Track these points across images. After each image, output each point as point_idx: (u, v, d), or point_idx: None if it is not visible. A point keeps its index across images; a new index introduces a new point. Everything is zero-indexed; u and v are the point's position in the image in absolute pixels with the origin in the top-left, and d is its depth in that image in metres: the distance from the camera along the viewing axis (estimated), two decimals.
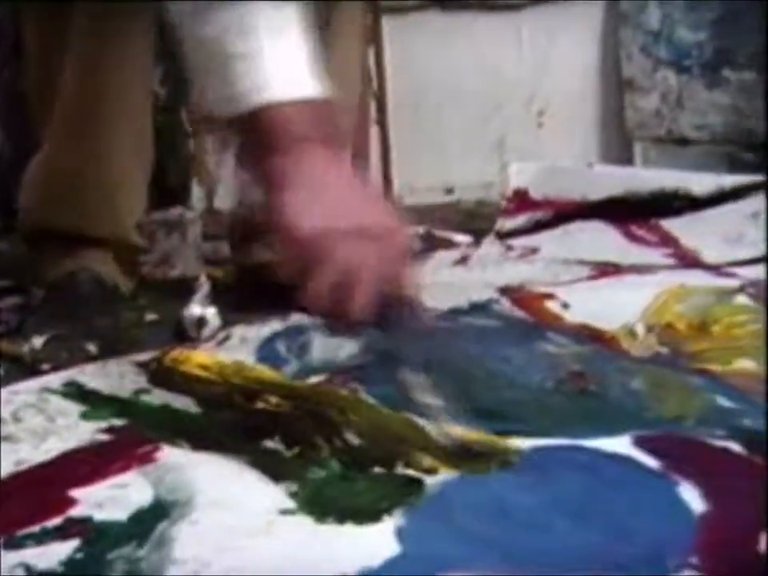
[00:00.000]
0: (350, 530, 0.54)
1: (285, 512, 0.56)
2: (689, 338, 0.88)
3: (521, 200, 1.41)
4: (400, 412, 0.70)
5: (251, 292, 1.07)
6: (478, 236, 1.39)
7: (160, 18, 0.84)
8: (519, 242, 1.33)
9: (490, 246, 1.32)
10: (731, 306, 0.95)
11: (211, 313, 0.97)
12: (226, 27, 0.67)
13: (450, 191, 1.85)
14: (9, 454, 0.66)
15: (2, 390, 0.78)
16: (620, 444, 0.63)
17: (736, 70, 1.69)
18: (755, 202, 1.27)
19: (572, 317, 0.93)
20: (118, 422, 0.72)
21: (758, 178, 1.33)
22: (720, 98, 1.71)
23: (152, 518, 0.56)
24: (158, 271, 1.24)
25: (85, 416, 0.74)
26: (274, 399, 0.73)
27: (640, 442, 0.63)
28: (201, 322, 0.96)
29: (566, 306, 0.96)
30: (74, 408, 0.75)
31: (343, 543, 0.53)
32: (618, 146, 1.83)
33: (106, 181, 1.00)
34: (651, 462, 0.61)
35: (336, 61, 1.07)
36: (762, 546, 0.51)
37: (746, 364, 0.81)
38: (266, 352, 0.87)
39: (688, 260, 1.19)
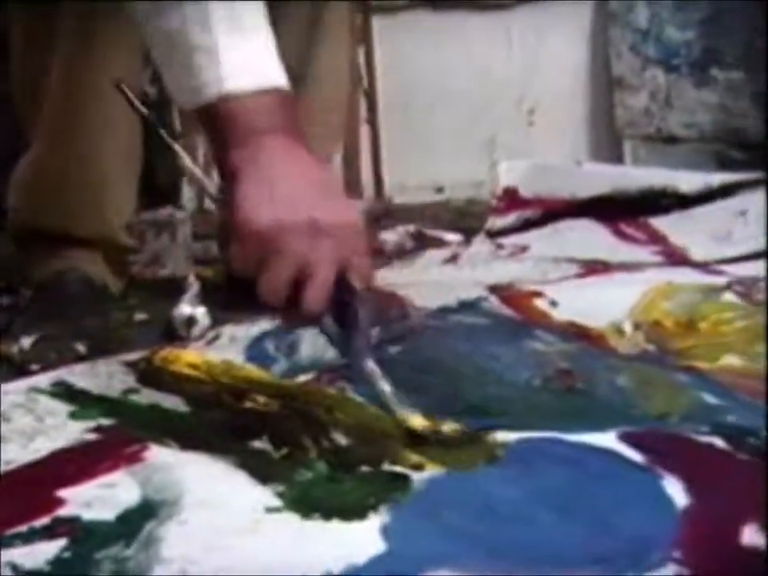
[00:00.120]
0: (336, 527, 0.54)
1: (271, 510, 0.56)
2: (676, 336, 0.89)
3: (511, 198, 1.41)
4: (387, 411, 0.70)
5: (241, 291, 1.07)
6: (469, 234, 1.40)
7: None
8: (509, 241, 1.33)
9: (480, 245, 1.33)
10: (718, 304, 0.96)
11: (201, 312, 0.97)
12: (186, 20, 0.68)
13: (440, 190, 1.86)
14: None
15: None
16: (605, 439, 0.63)
17: (724, 69, 1.70)
18: (743, 200, 1.28)
19: (560, 315, 0.94)
20: (106, 422, 0.72)
21: (745, 175, 1.34)
22: (708, 96, 1.72)
23: (140, 518, 0.56)
24: (148, 271, 1.24)
25: (73, 416, 0.74)
26: (262, 398, 0.74)
27: (625, 438, 0.64)
28: (190, 321, 0.96)
29: (554, 303, 0.97)
30: (63, 408, 0.75)
31: (329, 540, 0.53)
32: (608, 144, 1.84)
33: (95, 181, 1.00)
34: (636, 456, 0.61)
35: (325, 60, 1.07)
36: (743, 540, 0.51)
37: (732, 360, 0.82)
38: (255, 351, 0.87)
39: (676, 258, 1.20)
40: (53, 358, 0.88)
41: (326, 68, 1.09)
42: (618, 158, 1.80)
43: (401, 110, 1.86)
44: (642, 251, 1.24)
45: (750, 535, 0.52)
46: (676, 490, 0.57)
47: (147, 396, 0.77)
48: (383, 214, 1.63)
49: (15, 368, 0.87)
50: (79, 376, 0.81)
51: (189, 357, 0.83)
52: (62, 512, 0.57)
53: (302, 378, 0.79)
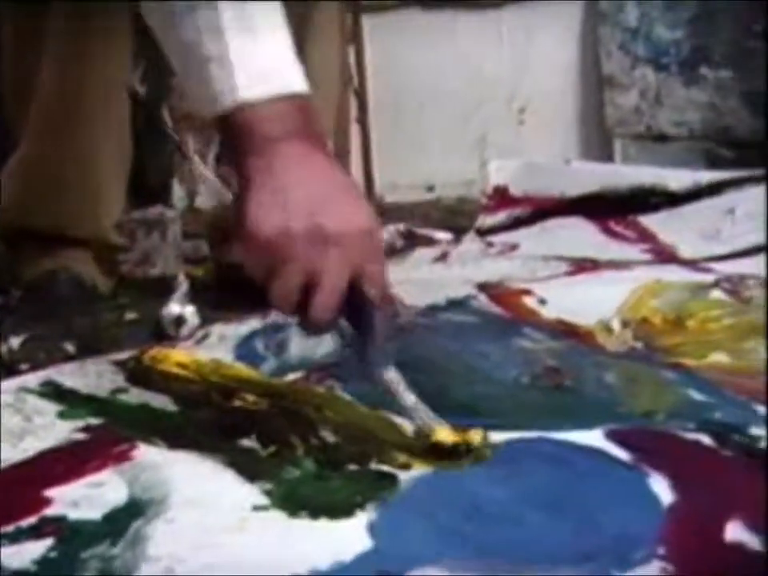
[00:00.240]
0: (323, 525, 0.54)
1: (258, 508, 0.57)
2: (664, 333, 0.89)
3: (501, 197, 1.42)
4: (376, 409, 0.70)
5: (230, 290, 1.07)
6: (459, 233, 1.40)
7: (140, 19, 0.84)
8: (499, 239, 1.34)
9: (470, 243, 1.33)
10: (706, 301, 0.96)
11: (190, 311, 0.97)
12: (198, 30, 0.67)
13: (431, 189, 1.86)
14: None
15: None
16: (592, 437, 0.64)
17: (713, 68, 1.71)
18: (731, 198, 1.29)
19: (548, 313, 0.94)
20: (94, 421, 0.72)
21: (733, 174, 1.34)
22: (697, 95, 1.72)
23: (127, 517, 0.56)
24: (138, 270, 1.24)
25: (62, 415, 0.74)
26: (250, 397, 0.74)
27: (612, 435, 0.64)
28: (179, 320, 0.96)
29: (542, 301, 0.97)
30: (51, 407, 0.75)
31: (316, 538, 0.53)
32: (598, 142, 1.84)
33: (84, 180, 1.00)
34: (622, 454, 0.61)
35: (315, 60, 1.07)
36: (727, 537, 0.52)
37: (719, 358, 0.82)
38: (245, 350, 0.87)
39: (665, 255, 1.20)
40: (42, 357, 0.88)
41: (316, 68, 1.09)
42: (608, 157, 1.80)
43: (391, 109, 1.86)
44: (631, 249, 1.24)
45: (733, 532, 0.52)
46: (662, 488, 0.57)
47: (136, 395, 0.77)
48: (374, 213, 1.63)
49: (4, 368, 0.87)
50: (68, 376, 0.81)
51: (178, 356, 0.83)
52: (49, 511, 0.57)
53: (291, 377, 0.79)
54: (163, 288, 1.05)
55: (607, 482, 0.59)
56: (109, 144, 1.00)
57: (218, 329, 0.93)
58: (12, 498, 0.59)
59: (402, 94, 1.87)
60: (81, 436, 0.70)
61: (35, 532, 0.55)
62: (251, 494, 0.59)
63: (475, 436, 0.61)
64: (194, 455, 0.65)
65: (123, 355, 0.86)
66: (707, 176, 1.35)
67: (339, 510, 0.55)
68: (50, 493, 0.59)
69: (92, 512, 0.57)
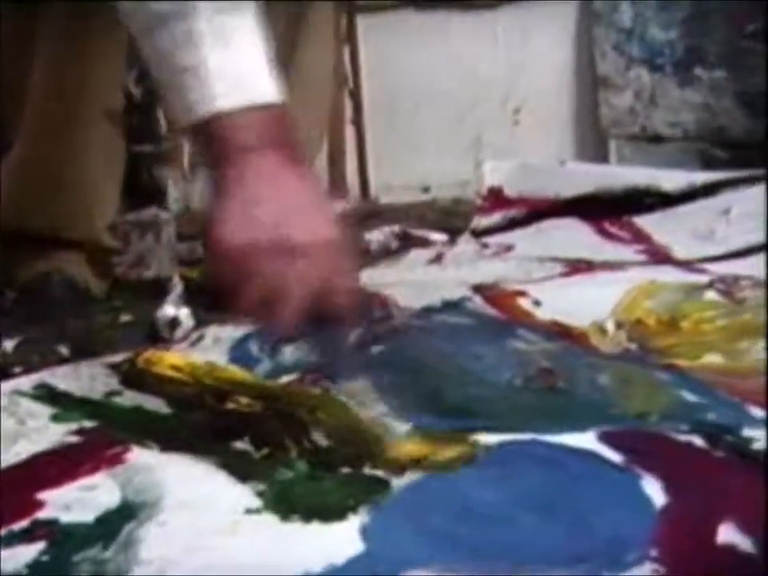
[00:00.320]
0: (315, 528, 0.54)
1: (251, 511, 0.57)
2: (658, 334, 0.89)
3: (496, 198, 1.42)
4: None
5: (225, 293, 1.07)
6: (455, 234, 1.40)
7: None
8: (494, 240, 1.34)
9: (465, 245, 1.33)
10: (700, 302, 0.96)
11: (184, 313, 0.97)
12: (174, 40, 0.68)
13: (426, 190, 1.86)
14: None
15: None
16: (585, 439, 0.64)
17: (707, 69, 1.71)
18: (726, 199, 1.29)
19: (543, 314, 0.94)
20: (88, 424, 0.72)
21: (727, 174, 1.34)
22: (692, 95, 1.73)
23: (119, 520, 0.56)
24: (133, 272, 1.23)
25: (55, 418, 0.74)
26: (244, 400, 0.74)
27: (605, 437, 0.64)
28: (174, 322, 0.96)
29: (537, 303, 0.97)
30: (45, 410, 0.75)
31: (308, 541, 0.53)
32: (593, 143, 1.84)
33: (78, 182, 1.00)
34: (615, 456, 0.61)
35: (308, 60, 1.08)
36: (719, 539, 0.52)
37: (713, 359, 0.82)
38: (239, 352, 0.87)
39: (659, 256, 1.20)
40: (36, 360, 0.88)
41: (310, 68, 1.09)
42: (603, 157, 1.80)
43: (386, 110, 1.86)
44: (625, 250, 1.24)
45: (726, 534, 0.52)
46: (654, 490, 0.57)
47: (130, 398, 0.77)
48: (369, 215, 1.63)
49: None
50: (61, 378, 0.81)
51: (172, 358, 0.83)
52: (41, 515, 0.57)
53: (285, 379, 0.79)
54: (158, 290, 1.05)
55: (600, 484, 0.59)
56: (102, 146, 1.00)
57: (212, 331, 0.93)
58: (5, 502, 0.59)
59: (396, 95, 1.87)
60: (74, 439, 0.70)
61: (27, 535, 0.55)
62: (244, 496, 0.59)
63: (446, 452, 0.61)
64: (187, 458, 0.65)
65: (117, 358, 0.86)
66: (702, 177, 1.35)
67: (332, 513, 0.55)
68: (43, 496, 0.59)
69: (84, 515, 0.57)
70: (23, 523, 0.56)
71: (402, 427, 0.68)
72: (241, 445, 0.66)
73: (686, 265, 1.14)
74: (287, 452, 0.64)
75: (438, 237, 1.40)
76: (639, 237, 1.28)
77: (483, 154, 1.83)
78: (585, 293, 1.01)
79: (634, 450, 0.62)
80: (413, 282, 1.12)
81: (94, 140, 1.00)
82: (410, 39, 1.85)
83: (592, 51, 1.81)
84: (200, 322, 0.97)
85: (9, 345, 0.90)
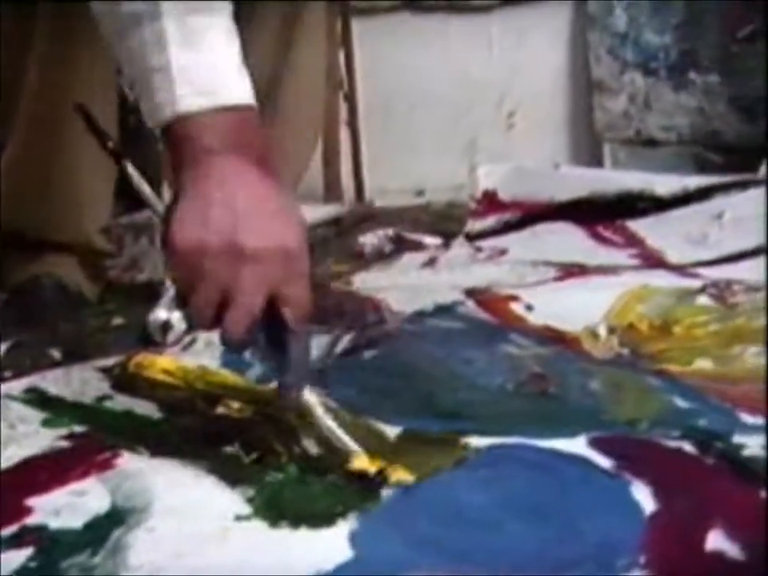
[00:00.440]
0: (304, 534, 0.54)
1: (240, 518, 0.57)
2: (650, 339, 0.89)
3: (490, 201, 1.42)
4: (359, 416, 0.70)
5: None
6: (449, 237, 1.40)
7: None
8: (488, 244, 1.34)
9: (458, 248, 1.33)
10: (692, 307, 0.96)
11: (176, 317, 0.96)
12: (144, 41, 0.68)
13: (420, 193, 1.86)
14: None
15: None
16: (575, 445, 0.64)
17: (701, 73, 1.71)
18: (719, 203, 1.29)
19: (536, 319, 0.94)
20: (78, 429, 0.72)
21: (720, 178, 1.35)
22: (686, 100, 1.73)
23: (108, 525, 0.56)
24: (126, 275, 1.23)
25: (46, 423, 0.73)
26: (235, 404, 0.74)
27: (595, 443, 0.64)
28: (166, 326, 0.95)
29: (529, 307, 0.97)
30: (35, 415, 0.75)
31: (297, 548, 0.53)
32: (588, 147, 1.84)
33: (69, 184, 0.99)
34: (605, 462, 0.61)
35: (302, 61, 1.08)
36: (708, 545, 0.52)
37: (704, 364, 0.82)
38: (231, 356, 0.86)
39: (653, 261, 1.20)
40: (27, 364, 0.88)
41: (304, 68, 1.09)
42: (597, 161, 1.80)
43: (381, 112, 1.86)
44: (619, 254, 1.24)
45: (715, 540, 0.52)
46: (643, 496, 0.57)
47: (121, 402, 0.77)
48: (364, 218, 1.63)
49: None
50: (53, 383, 0.81)
51: (163, 362, 0.83)
52: (30, 520, 0.57)
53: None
54: (151, 293, 1.05)
55: (589, 490, 0.59)
56: (95, 148, 1.00)
57: (204, 335, 0.93)
58: None
59: (391, 98, 1.87)
60: (64, 444, 0.70)
61: (16, 541, 0.55)
62: (233, 502, 0.59)
63: (395, 472, 0.60)
64: (177, 463, 0.65)
65: (109, 361, 0.86)
66: (695, 181, 1.35)
67: (320, 519, 0.55)
68: (32, 501, 0.59)
69: (73, 521, 0.57)
70: (12, 529, 0.56)
71: (392, 431, 0.68)
72: (231, 450, 0.66)
73: (679, 269, 1.15)
74: (277, 457, 0.64)
75: (431, 240, 1.40)
76: (633, 241, 1.28)
77: (478, 157, 1.83)
78: (577, 297, 1.01)
79: (623, 456, 0.62)
80: (406, 285, 1.12)
81: (86, 142, 1.00)
82: (405, 42, 1.85)
83: (586, 55, 1.81)
84: (192, 326, 0.96)
85: (1, 349, 0.90)
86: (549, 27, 1.85)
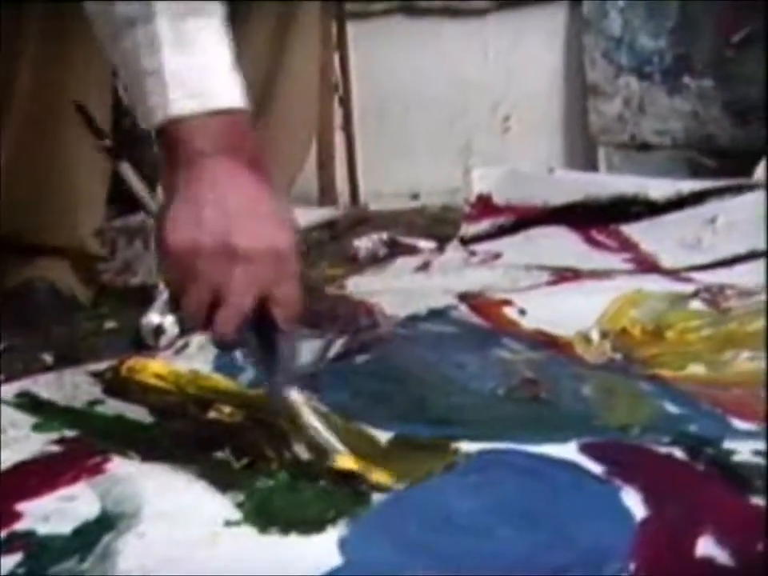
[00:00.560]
0: (294, 540, 0.54)
1: (230, 523, 0.56)
2: (643, 344, 0.89)
3: (484, 205, 1.42)
4: (351, 421, 0.70)
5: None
6: (444, 241, 1.40)
7: None
8: (482, 248, 1.34)
9: (452, 252, 1.33)
10: (685, 312, 0.97)
11: (169, 321, 0.97)
12: (137, 44, 0.68)
13: (415, 197, 1.86)
14: None
15: None
16: (566, 450, 0.64)
17: (695, 77, 1.71)
18: (713, 207, 1.29)
19: (528, 323, 0.94)
20: (69, 434, 0.72)
21: (714, 183, 1.35)
22: (680, 104, 1.73)
23: (97, 531, 0.56)
24: (120, 279, 1.23)
25: (37, 428, 0.73)
26: (227, 409, 0.74)
27: (586, 449, 0.64)
28: (159, 330, 0.95)
29: (522, 312, 0.97)
30: (26, 420, 0.75)
31: (287, 554, 0.53)
32: (583, 150, 1.85)
33: (62, 188, 0.99)
34: (596, 467, 0.61)
35: (297, 62, 1.08)
36: (698, 552, 0.52)
37: (697, 369, 0.82)
38: (223, 360, 0.86)
39: (646, 265, 1.20)
40: (19, 368, 0.87)
41: (299, 70, 1.10)
42: (592, 165, 1.80)
43: (376, 116, 1.86)
44: (613, 258, 1.24)
45: (705, 547, 0.52)
46: (634, 502, 0.57)
47: (112, 407, 0.77)
48: (358, 221, 1.63)
49: None
50: (44, 387, 0.81)
51: (155, 366, 0.83)
52: (19, 526, 0.57)
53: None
54: (144, 297, 1.05)
55: (580, 496, 0.59)
56: (87, 151, 0.99)
57: (197, 339, 0.93)
58: None
59: (386, 101, 1.87)
60: (55, 448, 0.69)
61: (4, 547, 0.54)
62: (223, 507, 0.59)
63: (378, 476, 0.60)
64: (167, 468, 0.65)
65: (101, 365, 0.86)
66: (689, 185, 1.35)
67: (310, 525, 0.55)
68: (21, 507, 0.59)
69: (62, 526, 0.57)
70: (1, 535, 0.56)
71: (383, 435, 0.68)
72: (221, 455, 0.66)
73: (673, 274, 1.15)
74: (268, 463, 0.64)
75: (425, 244, 1.40)
76: (626, 245, 1.28)
77: (473, 160, 1.83)
78: (571, 302, 1.01)
79: (614, 462, 0.62)
80: (399, 289, 1.12)
81: (79, 145, 0.99)
82: (400, 45, 1.85)
83: (581, 59, 1.81)
84: (185, 330, 0.96)
85: None
86: (544, 31, 1.85)
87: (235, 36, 1.10)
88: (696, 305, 0.98)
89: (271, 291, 0.64)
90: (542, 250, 1.28)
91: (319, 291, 1.13)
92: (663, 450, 0.64)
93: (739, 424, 0.68)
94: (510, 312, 0.98)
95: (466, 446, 0.65)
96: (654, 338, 0.90)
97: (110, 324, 1.05)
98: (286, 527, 0.55)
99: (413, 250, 1.38)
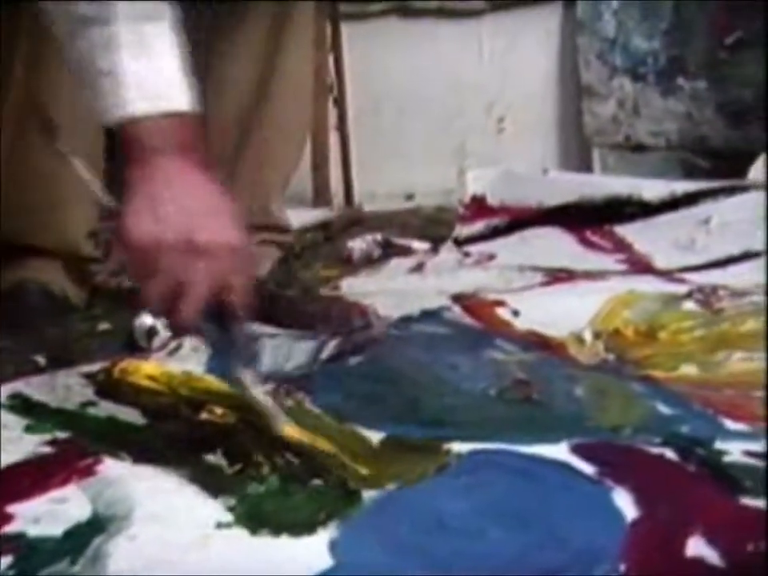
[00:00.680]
0: (284, 542, 0.54)
1: (221, 525, 0.56)
2: (635, 345, 0.89)
3: (478, 206, 1.42)
4: (344, 422, 0.70)
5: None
6: (438, 242, 1.40)
7: None
8: (476, 249, 1.34)
9: (446, 253, 1.33)
10: (678, 312, 0.97)
11: (162, 323, 0.96)
12: (93, 44, 0.71)
13: (410, 197, 1.86)
14: None
15: None
16: (557, 451, 0.64)
17: (689, 79, 1.72)
18: (706, 208, 1.29)
19: (521, 324, 0.94)
20: (61, 435, 0.72)
21: (708, 183, 1.35)
22: (674, 105, 1.73)
23: (88, 533, 0.56)
24: (113, 281, 1.22)
25: (28, 429, 0.73)
26: (219, 410, 0.73)
27: (577, 449, 0.64)
28: (151, 331, 0.95)
29: (516, 313, 0.97)
30: (19, 421, 0.74)
31: (278, 555, 0.53)
32: (577, 152, 1.85)
33: (53, 189, 0.99)
34: (587, 468, 0.61)
35: (291, 62, 1.08)
36: (688, 552, 0.52)
37: (689, 370, 0.83)
38: (216, 362, 0.86)
39: (640, 266, 1.21)
40: (11, 370, 0.87)
41: (293, 70, 1.10)
42: (587, 166, 1.81)
43: (370, 117, 1.86)
44: (607, 259, 1.24)
45: (695, 547, 0.52)
46: (625, 502, 0.57)
47: (105, 409, 0.77)
48: (353, 222, 1.63)
49: None
50: (36, 388, 0.81)
51: (148, 368, 0.83)
52: (9, 528, 0.57)
53: (262, 389, 0.79)
54: (137, 299, 1.04)
55: (571, 496, 0.59)
56: (79, 151, 0.99)
57: (190, 340, 0.93)
58: None
59: (381, 103, 1.87)
60: (47, 450, 0.69)
61: None
62: (215, 510, 0.59)
63: (322, 443, 0.65)
64: (159, 470, 0.65)
65: (94, 367, 0.86)
66: (683, 186, 1.35)
67: (301, 527, 0.55)
68: (12, 509, 0.59)
69: (53, 528, 0.57)
70: None
71: (376, 436, 0.68)
72: (213, 459, 0.66)
73: (667, 274, 1.15)
74: (259, 468, 0.64)
75: (419, 245, 1.40)
76: (620, 246, 1.28)
77: (467, 161, 1.83)
78: (564, 302, 1.01)
79: (606, 463, 0.62)
80: (393, 291, 1.12)
81: (71, 145, 0.99)
82: (394, 46, 1.85)
83: (576, 60, 1.81)
84: (178, 332, 0.96)
85: None
86: (538, 32, 1.85)
87: (230, 36, 1.10)
88: (689, 305, 0.99)
89: (227, 281, 0.69)
90: (536, 250, 1.29)
91: (312, 292, 1.13)
92: (655, 450, 0.64)
93: (731, 425, 0.69)
94: (503, 313, 0.98)
95: (458, 447, 0.65)
96: (646, 338, 0.91)
97: (103, 326, 1.05)
98: (277, 529, 0.55)
99: (407, 251, 1.38)
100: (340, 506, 0.58)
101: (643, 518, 0.56)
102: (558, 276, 1.15)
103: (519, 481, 0.60)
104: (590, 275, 1.14)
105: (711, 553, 0.52)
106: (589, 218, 1.33)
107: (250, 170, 1.10)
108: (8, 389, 0.81)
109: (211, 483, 0.62)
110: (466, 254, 1.32)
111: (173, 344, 0.93)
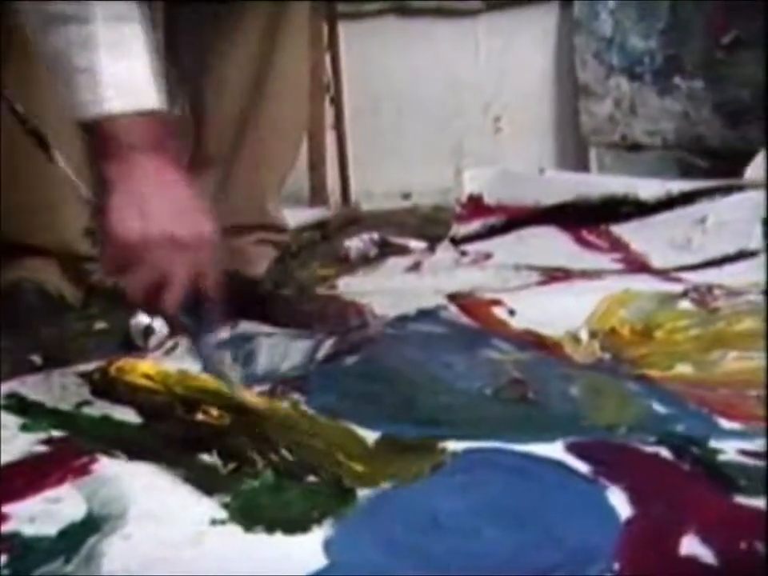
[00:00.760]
0: (279, 540, 0.54)
1: (215, 522, 0.56)
2: (631, 344, 0.89)
3: (475, 206, 1.42)
4: (340, 421, 0.70)
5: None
6: (435, 241, 1.40)
7: None
8: (473, 248, 1.34)
9: (443, 252, 1.33)
10: (674, 311, 0.97)
11: (158, 322, 0.96)
12: (69, 41, 0.72)
13: (407, 197, 1.86)
14: None
15: None
16: (552, 450, 0.64)
17: (685, 78, 1.72)
18: (702, 208, 1.29)
19: (517, 323, 0.94)
20: (57, 434, 0.71)
21: (704, 183, 1.35)
22: (671, 104, 1.74)
23: (83, 532, 0.56)
24: (110, 279, 1.22)
25: (24, 428, 0.73)
26: (214, 411, 0.73)
27: (572, 448, 0.64)
28: (148, 330, 0.95)
29: (512, 312, 0.97)
30: (14, 421, 0.74)
31: (272, 553, 0.53)
32: (574, 151, 1.85)
33: (48, 189, 0.99)
34: (582, 467, 0.61)
35: (287, 61, 1.08)
36: (682, 550, 0.52)
37: (684, 369, 0.83)
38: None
39: (636, 265, 1.21)
40: (7, 370, 0.87)
41: (287, 73, 1.09)
42: (584, 166, 1.81)
43: (367, 116, 1.86)
44: (603, 258, 1.25)
45: (689, 545, 0.52)
46: (620, 501, 0.57)
47: (100, 408, 0.77)
48: (350, 221, 1.63)
49: None
50: (32, 388, 0.81)
51: (144, 367, 0.83)
52: (4, 528, 0.57)
53: (258, 389, 0.79)
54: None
55: (565, 495, 0.59)
56: (73, 149, 0.99)
57: (186, 339, 0.93)
58: None
59: (378, 102, 1.88)
60: (42, 449, 0.69)
61: None
62: (209, 507, 0.58)
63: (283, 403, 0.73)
64: (154, 468, 0.64)
65: (90, 366, 0.86)
66: (679, 185, 1.36)
67: (295, 524, 0.55)
68: (7, 508, 0.59)
69: (48, 528, 0.57)
70: None
71: (371, 436, 0.68)
72: (208, 458, 0.66)
73: (663, 274, 1.15)
74: (254, 466, 0.64)
75: (416, 244, 1.40)
76: (617, 245, 1.28)
77: (464, 161, 1.83)
78: (560, 302, 1.01)
79: (601, 461, 0.62)
80: (390, 290, 1.12)
81: (64, 143, 0.99)
82: (391, 46, 1.86)
83: (572, 59, 1.81)
84: (174, 331, 0.96)
85: None
86: (535, 31, 1.85)
87: (226, 36, 1.10)
88: (684, 305, 0.99)
89: (202, 270, 0.73)
90: (533, 250, 1.29)
91: (309, 291, 1.13)
92: (649, 449, 0.64)
93: (725, 424, 0.69)
94: (499, 312, 0.98)
95: (454, 446, 0.65)
96: (642, 337, 0.91)
97: (99, 325, 1.05)
98: (271, 526, 0.55)
99: (404, 250, 1.38)
100: (334, 504, 0.58)
101: (638, 517, 0.56)
102: (554, 275, 1.15)
103: (514, 480, 0.60)
104: (586, 274, 1.15)
105: (705, 551, 0.52)
106: (585, 218, 1.34)
107: (247, 169, 1.10)
108: (4, 388, 0.81)
109: (206, 482, 0.62)
110: (463, 253, 1.32)
111: (169, 343, 0.93)
